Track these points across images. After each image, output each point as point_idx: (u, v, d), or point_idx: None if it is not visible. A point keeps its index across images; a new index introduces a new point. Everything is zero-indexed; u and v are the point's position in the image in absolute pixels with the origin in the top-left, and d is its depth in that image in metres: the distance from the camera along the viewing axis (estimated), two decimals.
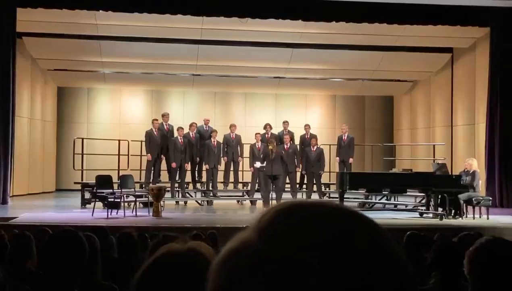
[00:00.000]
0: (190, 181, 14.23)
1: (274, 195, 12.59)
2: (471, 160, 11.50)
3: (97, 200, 11.33)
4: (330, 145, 15.26)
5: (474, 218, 10.79)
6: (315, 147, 14.00)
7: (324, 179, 14.73)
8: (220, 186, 14.22)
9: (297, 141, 14.81)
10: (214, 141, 13.96)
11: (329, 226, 0.63)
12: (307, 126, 14.91)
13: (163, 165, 14.05)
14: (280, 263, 0.61)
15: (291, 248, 0.61)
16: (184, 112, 17.54)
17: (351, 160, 14.49)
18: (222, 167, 14.18)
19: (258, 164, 13.29)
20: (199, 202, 13.94)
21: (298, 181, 14.46)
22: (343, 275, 0.60)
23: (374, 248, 0.63)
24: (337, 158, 14.71)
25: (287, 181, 13.62)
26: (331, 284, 0.60)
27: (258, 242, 0.63)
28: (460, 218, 10.75)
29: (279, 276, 0.60)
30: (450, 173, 12.54)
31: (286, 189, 13.63)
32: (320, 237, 0.62)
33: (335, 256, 0.61)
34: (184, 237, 1.33)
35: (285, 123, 14.80)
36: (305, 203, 0.67)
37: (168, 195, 12.41)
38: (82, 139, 14.56)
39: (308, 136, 14.62)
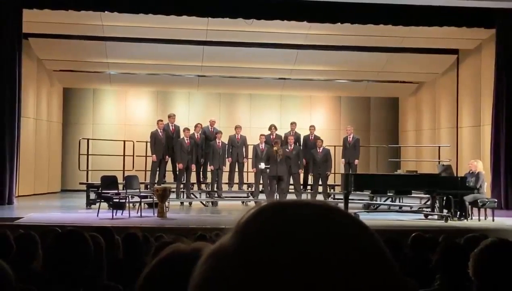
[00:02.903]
0: (195, 181, 14.24)
1: (278, 196, 12.59)
2: (476, 162, 11.47)
3: (102, 200, 11.35)
4: (335, 146, 15.24)
5: (479, 219, 10.77)
6: (321, 148, 13.99)
7: (329, 180, 14.71)
8: (225, 187, 14.23)
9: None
10: (219, 142, 13.97)
11: (307, 226, 0.62)
12: (312, 128, 14.91)
13: (168, 166, 14.07)
14: (251, 264, 0.60)
15: (264, 249, 0.60)
16: (189, 113, 17.56)
17: (356, 161, 14.45)
18: (227, 168, 14.19)
19: (262, 165, 13.30)
20: (204, 203, 13.95)
21: (302, 181, 14.44)
22: (317, 278, 0.59)
23: (358, 251, 0.61)
24: (343, 159, 14.68)
25: (291, 182, 13.62)
26: (303, 287, 0.58)
27: (233, 243, 0.63)
28: (465, 220, 10.72)
29: (250, 277, 0.60)
30: (455, 175, 12.51)
31: (290, 190, 13.64)
32: (296, 237, 0.60)
33: (311, 258, 0.59)
34: (182, 238, 1.33)
35: (293, 124, 14.78)
36: (285, 203, 0.66)
37: (173, 195, 12.42)
38: (88, 140, 14.59)
39: (312, 137, 14.61)
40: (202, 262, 0.65)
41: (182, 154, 13.48)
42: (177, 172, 13.69)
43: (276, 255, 0.60)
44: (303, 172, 14.19)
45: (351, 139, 14.66)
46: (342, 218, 0.64)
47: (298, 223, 0.62)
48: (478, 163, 11.36)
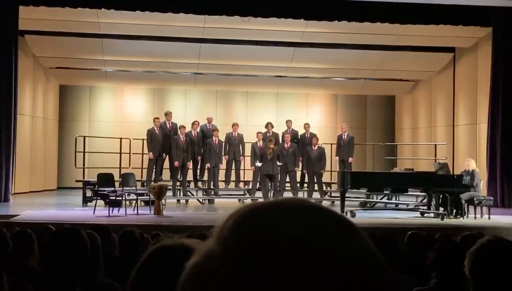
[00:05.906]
0: (192, 179, 14.24)
1: (272, 194, 12.61)
2: (468, 160, 11.50)
3: (99, 198, 11.33)
4: (331, 144, 15.25)
5: (475, 217, 10.79)
6: (317, 146, 14.00)
7: (326, 178, 14.71)
8: (221, 185, 14.22)
9: None
10: (215, 140, 13.96)
11: (296, 229, 0.60)
12: (306, 125, 14.91)
13: (165, 163, 14.06)
14: (246, 275, 0.58)
15: (255, 258, 0.58)
16: (186, 111, 17.55)
17: (350, 159, 14.45)
18: (223, 165, 14.19)
19: (259, 163, 13.31)
20: (201, 200, 13.95)
21: (298, 179, 14.45)
22: (313, 284, 0.58)
23: (347, 249, 0.60)
24: (337, 157, 14.69)
25: (287, 179, 13.62)
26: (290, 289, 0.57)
27: (221, 255, 0.60)
28: (462, 218, 10.74)
29: (245, 289, 0.58)
30: (451, 173, 12.53)
31: (286, 188, 13.65)
32: (286, 243, 0.58)
33: (306, 264, 0.58)
34: (174, 236, 1.34)
35: (288, 122, 14.79)
36: (267, 205, 0.63)
37: (169, 193, 12.41)
38: (84, 137, 14.57)
39: (308, 135, 14.62)
40: (187, 277, 0.62)
41: (178, 151, 13.48)
42: (173, 170, 13.68)
43: (263, 266, 0.58)
44: (300, 170, 14.20)
45: (345, 137, 14.68)
46: (326, 217, 0.62)
47: (283, 228, 0.60)
48: (470, 161, 11.38)
